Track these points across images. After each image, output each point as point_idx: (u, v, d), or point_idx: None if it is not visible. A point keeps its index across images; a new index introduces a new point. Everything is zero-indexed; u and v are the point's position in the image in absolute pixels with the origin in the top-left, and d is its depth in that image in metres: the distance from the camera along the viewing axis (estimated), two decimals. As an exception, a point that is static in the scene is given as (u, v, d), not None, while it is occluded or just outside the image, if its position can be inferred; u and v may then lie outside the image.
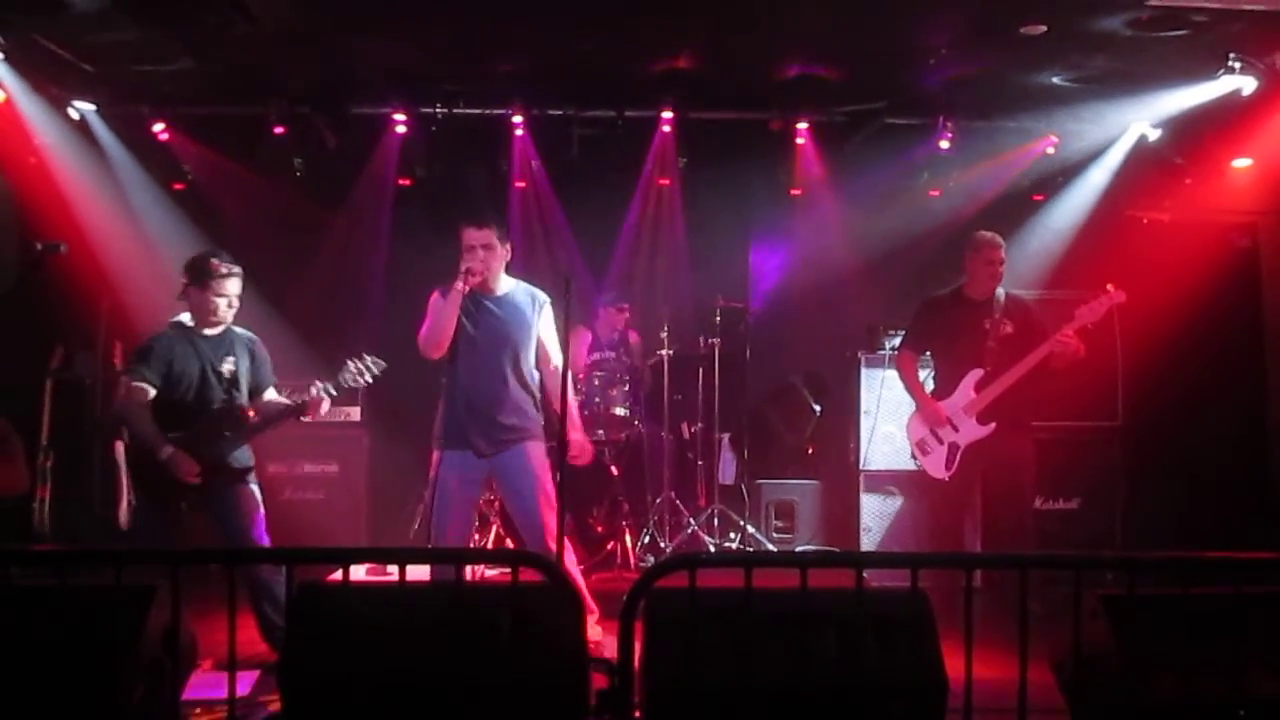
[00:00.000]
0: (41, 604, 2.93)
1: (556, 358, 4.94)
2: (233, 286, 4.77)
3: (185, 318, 4.83)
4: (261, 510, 4.81)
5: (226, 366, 4.78)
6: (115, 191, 7.01)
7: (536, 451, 4.87)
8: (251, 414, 4.83)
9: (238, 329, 4.92)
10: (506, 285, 4.94)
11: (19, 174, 6.56)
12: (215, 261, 4.74)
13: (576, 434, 4.92)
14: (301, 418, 4.86)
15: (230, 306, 4.79)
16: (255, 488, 4.84)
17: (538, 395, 4.97)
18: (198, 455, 4.61)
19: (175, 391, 4.69)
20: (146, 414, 4.64)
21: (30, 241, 5.42)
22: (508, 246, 4.89)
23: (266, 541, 4.78)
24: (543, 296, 4.97)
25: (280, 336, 5.61)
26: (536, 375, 4.93)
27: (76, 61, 6.19)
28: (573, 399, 5.05)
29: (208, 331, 4.80)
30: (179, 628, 3.01)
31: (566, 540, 4.86)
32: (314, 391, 4.76)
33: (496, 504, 6.34)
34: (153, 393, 4.66)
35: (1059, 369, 5.48)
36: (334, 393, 4.82)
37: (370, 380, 4.85)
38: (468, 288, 4.71)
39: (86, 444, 6.65)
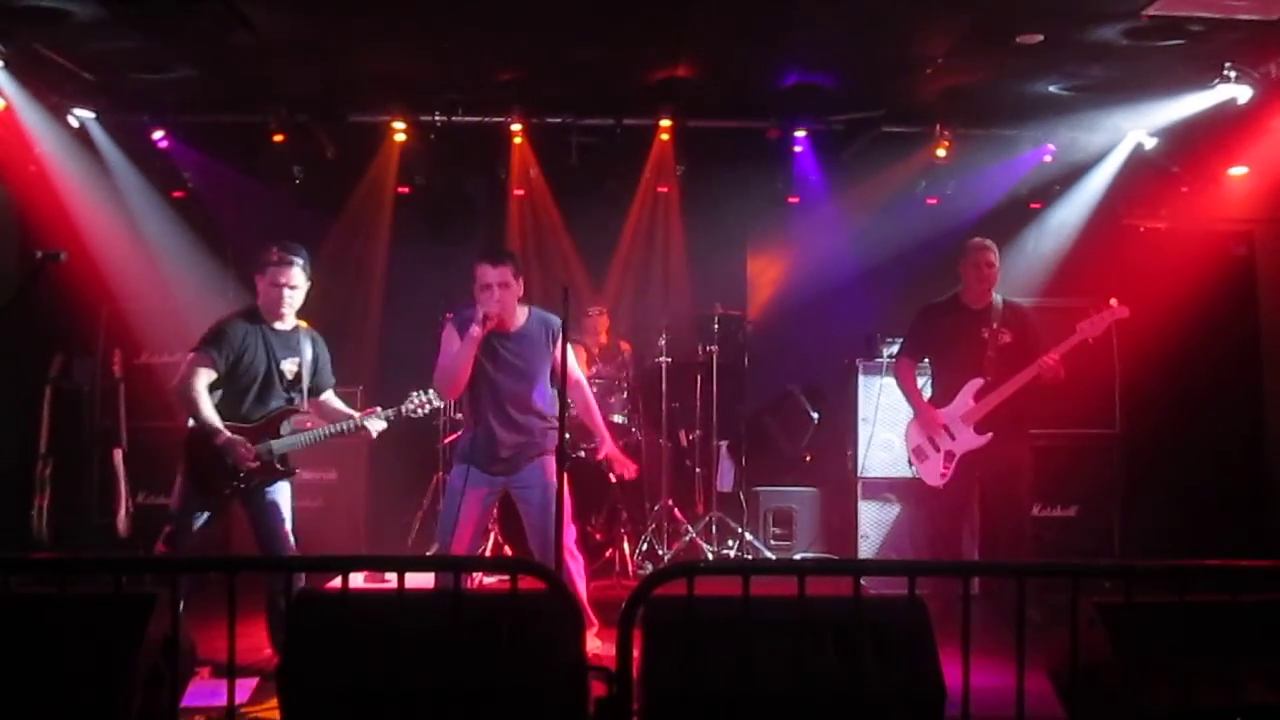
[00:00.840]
0: (41, 612, 2.93)
1: (578, 374, 5.04)
2: (287, 276, 4.72)
3: (260, 305, 4.80)
4: (291, 510, 4.84)
5: (289, 366, 4.78)
6: (115, 199, 7.00)
7: (550, 465, 4.86)
8: (309, 424, 4.86)
9: (305, 326, 4.91)
10: (520, 318, 4.90)
11: (19, 182, 6.57)
12: (273, 249, 4.72)
13: (612, 449, 5.10)
14: (358, 432, 4.88)
15: (289, 298, 4.75)
16: (289, 488, 4.85)
17: (552, 414, 4.95)
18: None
19: (239, 383, 4.69)
20: (206, 396, 4.62)
21: (30, 249, 5.44)
22: (521, 280, 4.86)
23: (293, 542, 4.81)
24: (555, 322, 4.88)
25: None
26: (552, 394, 4.92)
27: (77, 70, 6.21)
28: (598, 414, 5.16)
29: (278, 325, 4.79)
30: (178, 636, 3.02)
31: (578, 552, 4.99)
32: (373, 418, 4.82)
33: (495, 511, 6.35)
34: (214, 376, 4.64)
35: (1048, 386, 5.50)
36: (393, 419, 4.86)
37: (428, 412, 4.89)
38: (485, 332, 4.70)
39: (85, 451, 6.66)
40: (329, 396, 5.01)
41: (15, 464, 6.34)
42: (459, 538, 4.78)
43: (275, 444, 4.70)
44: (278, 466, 4.73)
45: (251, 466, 4.60)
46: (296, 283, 4.75)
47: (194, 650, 3.67)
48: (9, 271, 6.47)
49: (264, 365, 4.72)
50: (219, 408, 4.64)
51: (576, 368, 5.04)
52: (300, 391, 4.82)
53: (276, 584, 4.55)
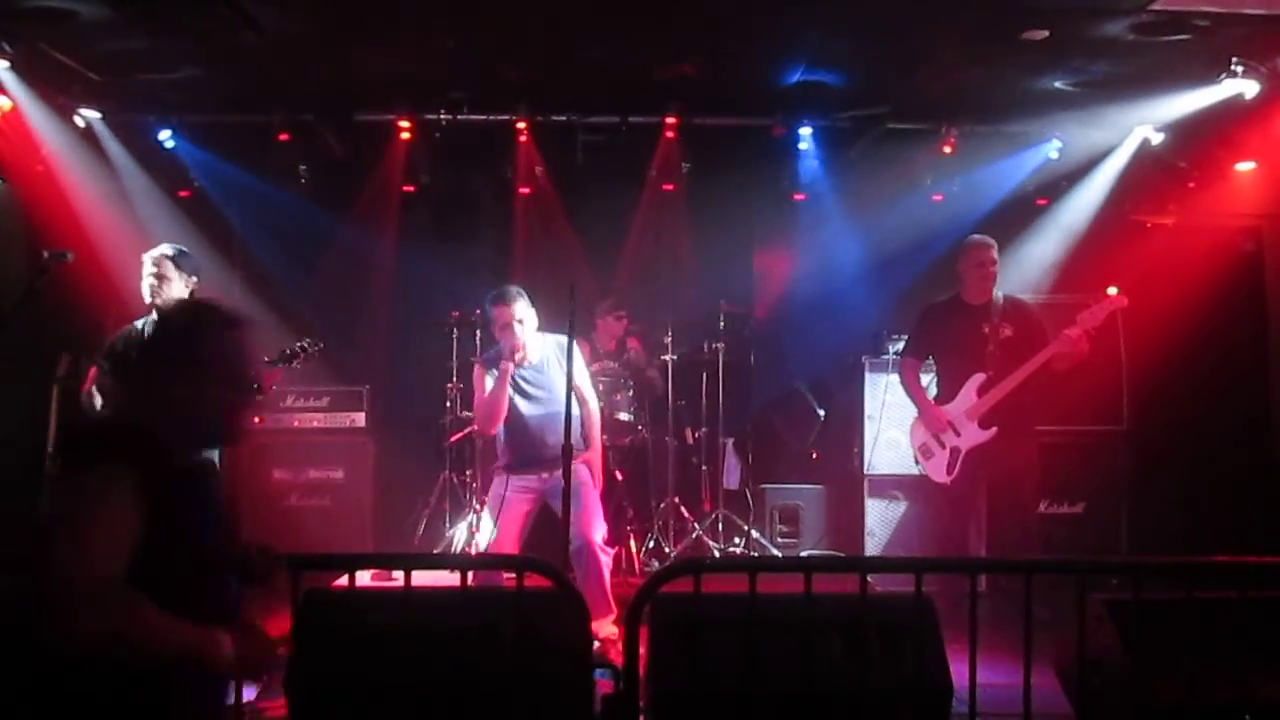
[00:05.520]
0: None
1: (587, 393, 5.42)
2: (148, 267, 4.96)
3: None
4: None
5: None
6: (122, 199, 7.01)
7: (580, 461, 5.18)
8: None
9: None
10: (535, 347, 5.28)
11: (26, 182, 6.57)
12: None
13: (591, 456, 5.40)
14: None
15: (153, 290, 4.97)
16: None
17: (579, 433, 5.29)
18: None
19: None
20: (95, 398, 4.97)
21: (37, 249, 5.45)
22: (533, 312, 5.25)
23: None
24: (562, 340, 5.12)
25: (287, 343, 5.63)
26: (576, 414, 5.14)
27: (83, 70, 6.21)
28: (598, 431, 5.51)
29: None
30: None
31: (608, 546, 5.34)
32: None
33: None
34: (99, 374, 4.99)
35: (1061, 371, 5.47)
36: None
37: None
38: (515, 365, 5.16)
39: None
40: None
41: (23, 464, 6.35)
42: (506, 537, 5.19)
43: None
44: None
45: None
46: (154, 271, 5.00)
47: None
48: (16, 272, 6.47)
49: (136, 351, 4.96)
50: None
51: (587, 389, 5.42)
52: None
53: None
